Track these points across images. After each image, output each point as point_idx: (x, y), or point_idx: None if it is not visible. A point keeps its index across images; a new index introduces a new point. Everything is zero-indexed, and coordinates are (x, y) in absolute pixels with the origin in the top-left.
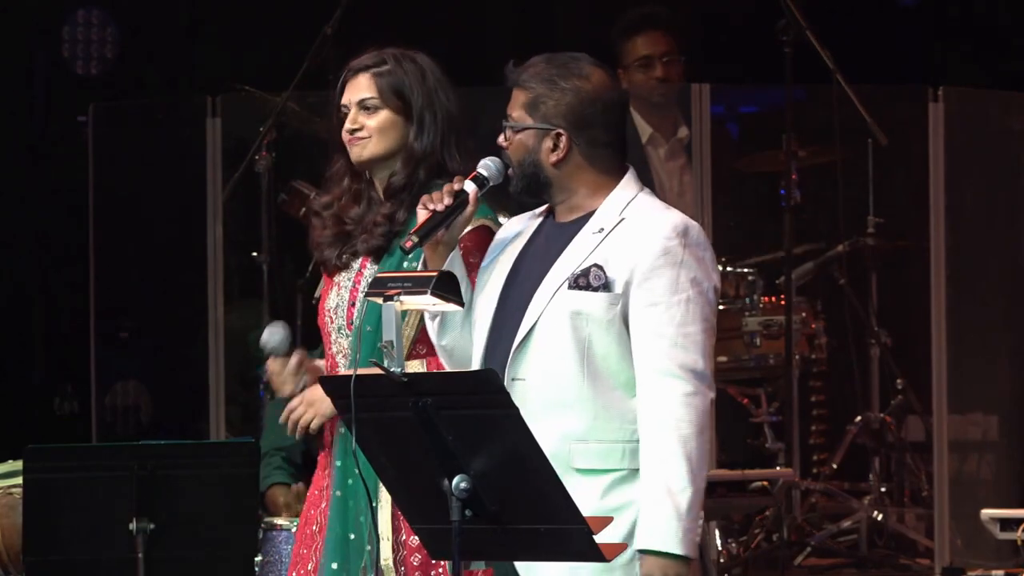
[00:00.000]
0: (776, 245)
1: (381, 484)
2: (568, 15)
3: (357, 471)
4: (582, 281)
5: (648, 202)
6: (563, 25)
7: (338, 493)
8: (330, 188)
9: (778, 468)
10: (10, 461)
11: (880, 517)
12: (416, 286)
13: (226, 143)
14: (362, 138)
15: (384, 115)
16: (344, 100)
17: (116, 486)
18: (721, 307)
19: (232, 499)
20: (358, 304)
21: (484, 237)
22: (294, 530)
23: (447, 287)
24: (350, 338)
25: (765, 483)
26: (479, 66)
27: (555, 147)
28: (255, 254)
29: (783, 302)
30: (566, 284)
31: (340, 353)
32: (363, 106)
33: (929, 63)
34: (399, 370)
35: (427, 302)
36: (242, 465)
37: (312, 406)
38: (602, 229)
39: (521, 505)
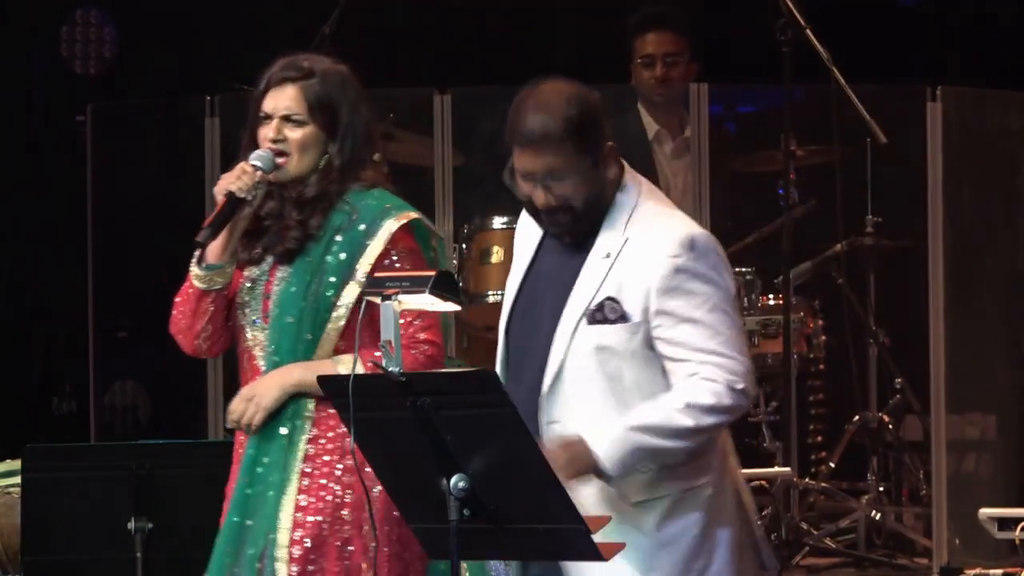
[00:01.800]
0: (774, 247)
1: (294, 473)
2: (567, 15)
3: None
4: (599, 316)
5: (649, 210)
6: (562, 24)
7: (240, 479)
8: None
9: (776, 467)
10: (8, 460)
11: (878, 516)
12: (414, 285)
13: (224, 142)
14: (284, 153)
15: (308, 130)
16: (268, 108)
17: (114, 486)
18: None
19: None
20: (274, 297)
21: (406, 233)
22: None
23: (446, 286)
24: (266, 331)
25: (763, 482)
26: (477, 66)
27: (609, 163)
28: None
29: (781, 301)
30: (584, 320)
31: (256, 346)
32: (288, 119)
33: (927, 63)
34: (397, 369)
35: (425, 301)
36: None
37: (253, 401)
38: (608, 254)
39: (519, 505)
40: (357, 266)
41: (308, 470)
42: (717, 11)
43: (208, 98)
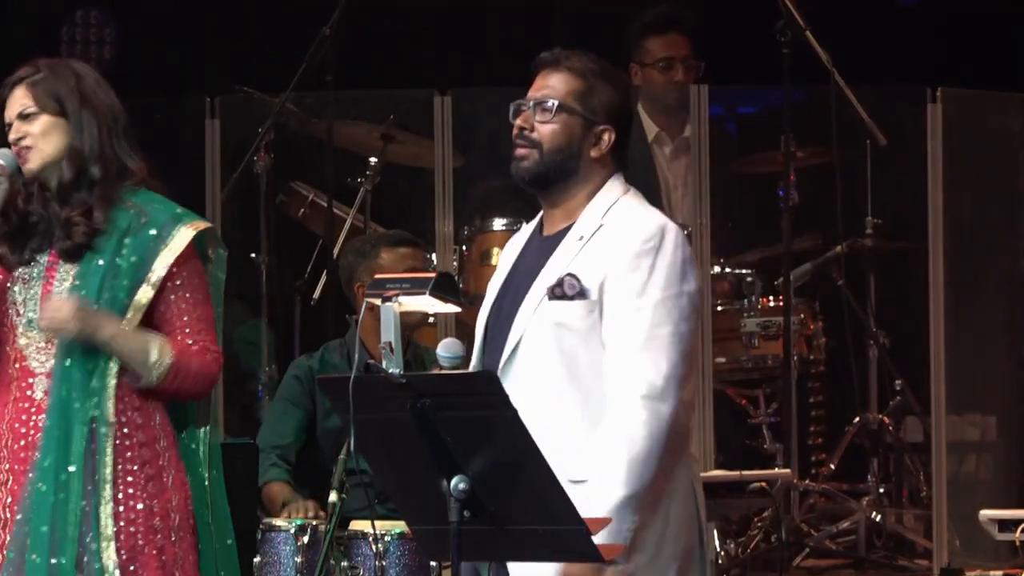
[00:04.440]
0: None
1: (107, 483)
2: (567, 16)
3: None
4: (558, 291)
5: (629, 205)
6: (562, 25)
7: (42, 487)
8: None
9: (776, 469)
10: None
11: (878, 518)
12: (414, 287)
13: (225, 144)
14: (28, 147)
15: (43, 120)
16: (7, 117)
17: None
18: (719, 308)
19: (229, 499)
20: (55, 299)
21: (192, 251)
22: (292, 531)
23: (446, 288)
24: (44, 332)
25: (763, 484)
26: (477, 67)
27: (597, 142)
28: (254, 255)
29: (781, 303)
30: (547, 295)
31: (31, 346)
32: (22, 116)
33: (927, 64)
34: (398, 370)
35: (426, 303)
36: (240, 466)
37: (82, 315)
38: (582, 237)
39: (519, 506)
40: (151, 270)
41: (114, 477)
42: (717, 12)
43: (208, 99)
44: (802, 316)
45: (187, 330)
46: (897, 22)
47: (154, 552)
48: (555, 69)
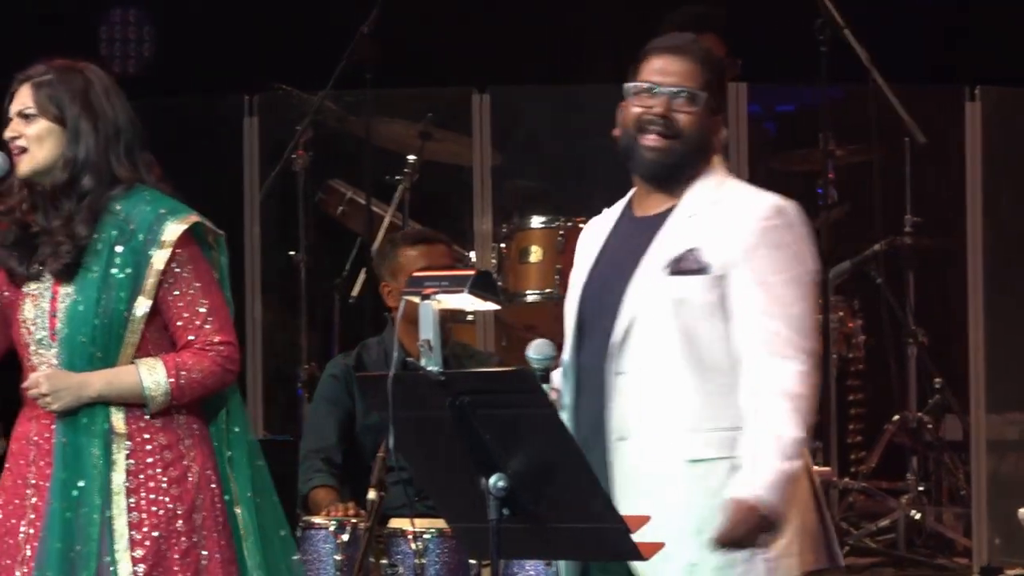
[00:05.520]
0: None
1: (121, 495)
2: (605, 15)
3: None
4: (679, 266)
5: (739, 185)
6: (600, 24)
7: (54, 504)
8: (7, 197)
9: (816, 467)
10: None
11: (918, 516)
12: (453, 285)
13: (263, 142)
14: (22, 148)
15: (41, 124)
16: (10, 111)
17: None
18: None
19: None
20: (61, 315)
21: (185, 237)
22: (332, 529)
23: (485, 286)
24: (54, 349)
25: None
26: (515, 65)
27: (718, 131)
28: (292, 253)
29: (820, 301)
30: (665, 271)
31: (44, 364)
32: (22, 115)
33: (966, 62)
34: (436, 368)
35: (465, 301)
36: (280, 464)
37: (49, 396)
38: (693, 214)
39: (559, 504)
40: (145, 279)
41: (132, 486)
42: (755, 10)
43: (247, 97)
44: (841, 314)
45: (191, 326)
46: (936, 20)
47: (176, 556)
48: (685, 56)
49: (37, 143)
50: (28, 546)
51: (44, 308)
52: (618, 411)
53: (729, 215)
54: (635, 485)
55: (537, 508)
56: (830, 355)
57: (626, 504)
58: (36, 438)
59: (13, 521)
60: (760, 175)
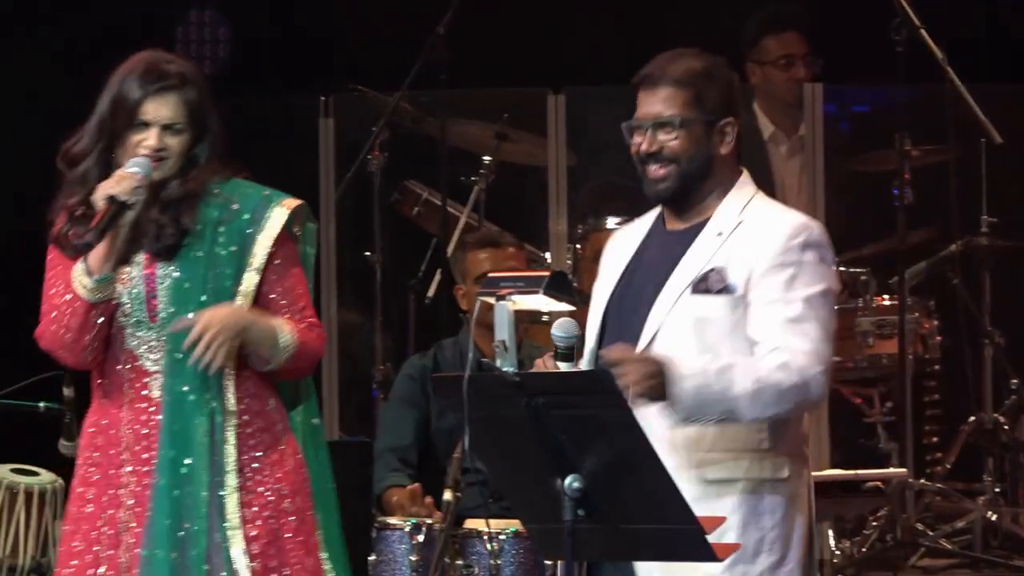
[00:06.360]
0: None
1: (231, 472)
2: (680, 14)
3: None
4: (702, 285)
5: (766, 203)
6: (675, 24)
7: (161, 481)
8: (85, 185)
9: (892, 468)
10: None
11: (994, 517)
12: (529, 285)
13: (339, 143)
14: (165, 159)
15: (186, 138)
16: (148, 116)
17: None
18: (834, 307)
19: (345, 498)
20: (163, 295)
21: (286, 238)
22: (407, 529)
23: (560, 287)
24: (154, 330)
25: (879, 483)
26: (590, 66)
27: (723, 138)
28: (368, 254)
29: (896, 302)
30: (688, 290)
31: (141, 346)
32: (169, 128)
33: None
34: (512, 369)
35: (540, 302)
36: (355, 464)
37: (214, 345)
38: (721, 232)
39: (633, 505)
40: (252, 255)
41: (240, 465)
42: (831, 10)
43: (323, 98)
44: (917, 315)
45: (293, 307)
46: (1011, 19)
47: (288, 535)
48: (658, 85)
49: (179, 155)
50: (129, 533)
51: (139, 291)
52: None
53: (754, 234)
54: None
55: (611, 509)
56: (906, 355)
57: None
58: (130, 425)
59: (111, 512)
60: (836, 176)
